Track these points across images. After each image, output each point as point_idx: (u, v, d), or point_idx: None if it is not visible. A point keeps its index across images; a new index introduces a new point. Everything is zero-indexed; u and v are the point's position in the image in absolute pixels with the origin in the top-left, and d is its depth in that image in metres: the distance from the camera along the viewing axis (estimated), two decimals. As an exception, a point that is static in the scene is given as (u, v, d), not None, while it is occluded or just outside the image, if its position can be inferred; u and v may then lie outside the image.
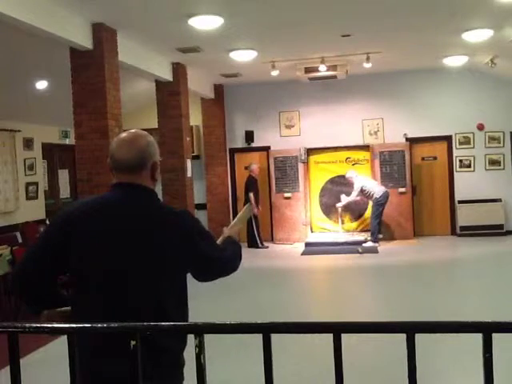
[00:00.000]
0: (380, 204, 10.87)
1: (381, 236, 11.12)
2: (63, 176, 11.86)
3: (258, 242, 11.48)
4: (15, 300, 6.99)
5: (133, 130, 2.19)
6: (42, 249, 2.08)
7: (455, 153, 11.79)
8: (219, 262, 2.18)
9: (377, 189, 10.96)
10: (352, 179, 11.17)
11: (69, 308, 2.10)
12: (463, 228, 11.49)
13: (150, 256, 2.01)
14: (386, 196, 10.91)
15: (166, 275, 2.03)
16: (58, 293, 2.16)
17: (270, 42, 8.59)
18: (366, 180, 11.20)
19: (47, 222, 9.95)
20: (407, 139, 11.77)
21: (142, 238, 2.03)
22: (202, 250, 2.09)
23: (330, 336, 1.36)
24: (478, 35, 8.30)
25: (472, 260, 9.62)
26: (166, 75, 9.41)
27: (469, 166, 11.75)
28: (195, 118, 11.65)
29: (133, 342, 1.41)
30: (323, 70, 10.12)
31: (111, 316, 1.88)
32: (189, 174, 9.89)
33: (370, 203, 11.21)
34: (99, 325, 1.57)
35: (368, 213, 11.93)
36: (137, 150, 2.10)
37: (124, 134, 2.18)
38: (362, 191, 10.99)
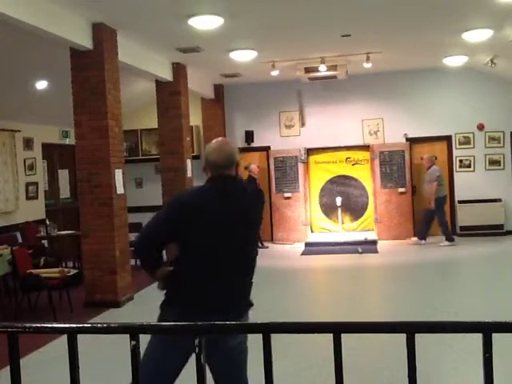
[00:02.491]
0: (439, 207, 10.60)
1: (454, 243, 10.68)
2: (63, 176, 11.86)
3: (258, 242, 11.47)
4: (15, 300, 7.00)
5: (220, 139, 2.94)
6: (163, 225, 2.77)
7: (455, 153, 11.79)
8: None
9: (440, 188, 10.73)
10: (432, 162, 10.80)
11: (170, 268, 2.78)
12: (463, 228, 11.49)
13: (248, 223, 2.81)
14: (441, 201, 10.65)
15: (254, 235, 3.02)
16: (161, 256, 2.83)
17: (269, 42, 8.59)
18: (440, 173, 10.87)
19: (47, 221, 9.95)
20: (407, 139, 11.77)
21: (240, 211, 2.76)
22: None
23: (330, 336, 1.36)
24: (478, 35, 8.30)
25: (472, 260, 9.62)
26: (166, 75, 9.41)
27: (469, 166, 11.75)
28: (195, 118, 11.65)
29: (133, 343, 1.41)
30: (323, 70, 10.12)
31: (217, 275, 2.68)
32: (189, 174, 9.89)
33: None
34: (99, 325, 1.57)
35: (368, 213, 11.94)
36: (228, 154, 2.81)
37: (215, 142, 2.86)
38: (430, 181, 10.62)
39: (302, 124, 12.12)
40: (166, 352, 2.63)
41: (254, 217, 2.89)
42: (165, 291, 2.77)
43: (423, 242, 10.83)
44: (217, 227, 2.69)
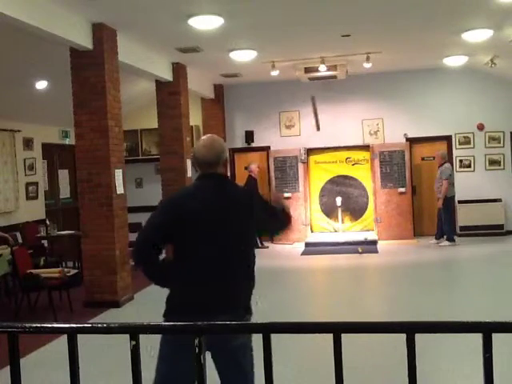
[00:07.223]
0: (447, 206, 10.56)
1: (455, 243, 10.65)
2: (63, 176, 11.85)
3: (258, 241, 11.47)
4: (15, 300, 7.00)
5: (210, 135, 2.90)
6: (157, 229, 2.71)
7: (455, 153, 11.79)
8: (279, 216, 3.09)
9: (451, 188, 10.70)
10: (444, 159, 10.76)
11: None
12: (463, 228, 11.49)
13: (240, 220, 2.79)
14: (450, 201, 10.61)
15: (250, 232, 2.96)
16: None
17: (269, 42, 8.59)
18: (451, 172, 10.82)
19: (47, 221, 9.95)
20: (407, 139, 11.77)
21: (232, 209, 2.77)
22: (266, 211, 3.00)
23: (330, 336, 1.36)
24: (478, 35, 8.30)
25: (472, 260, 9.62)
26: (166, 75, 9.41)
27: (469, 166, 11.75)
28: (195, 118, 11.65)
29: (133, 343, 1.41)
30: (323, 70, 10.12)
31: (217, 269, 2.69)
32: (189, 174, 9.89)
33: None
34: (99, 325, 1.57)
35: (368, 213, 11.93)
36: (217, 151, 2.81)
37: (205, 139, 2.86)
38: (441, 179, 10.56)
39: (318, 128, 12.03)
40: (176, 354, 2.57)
41: (247, 215, 2.82)
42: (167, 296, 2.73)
43: (446, 242, 10.68)
44: (210, 227, 2.68)
